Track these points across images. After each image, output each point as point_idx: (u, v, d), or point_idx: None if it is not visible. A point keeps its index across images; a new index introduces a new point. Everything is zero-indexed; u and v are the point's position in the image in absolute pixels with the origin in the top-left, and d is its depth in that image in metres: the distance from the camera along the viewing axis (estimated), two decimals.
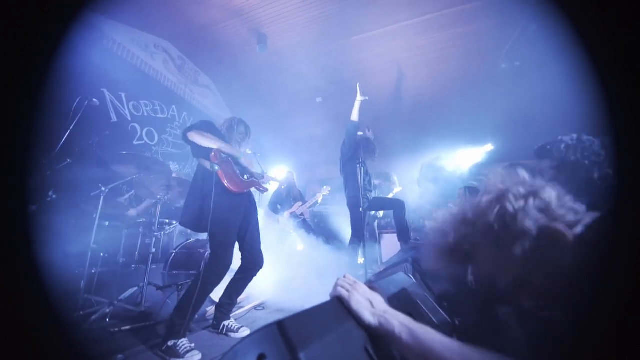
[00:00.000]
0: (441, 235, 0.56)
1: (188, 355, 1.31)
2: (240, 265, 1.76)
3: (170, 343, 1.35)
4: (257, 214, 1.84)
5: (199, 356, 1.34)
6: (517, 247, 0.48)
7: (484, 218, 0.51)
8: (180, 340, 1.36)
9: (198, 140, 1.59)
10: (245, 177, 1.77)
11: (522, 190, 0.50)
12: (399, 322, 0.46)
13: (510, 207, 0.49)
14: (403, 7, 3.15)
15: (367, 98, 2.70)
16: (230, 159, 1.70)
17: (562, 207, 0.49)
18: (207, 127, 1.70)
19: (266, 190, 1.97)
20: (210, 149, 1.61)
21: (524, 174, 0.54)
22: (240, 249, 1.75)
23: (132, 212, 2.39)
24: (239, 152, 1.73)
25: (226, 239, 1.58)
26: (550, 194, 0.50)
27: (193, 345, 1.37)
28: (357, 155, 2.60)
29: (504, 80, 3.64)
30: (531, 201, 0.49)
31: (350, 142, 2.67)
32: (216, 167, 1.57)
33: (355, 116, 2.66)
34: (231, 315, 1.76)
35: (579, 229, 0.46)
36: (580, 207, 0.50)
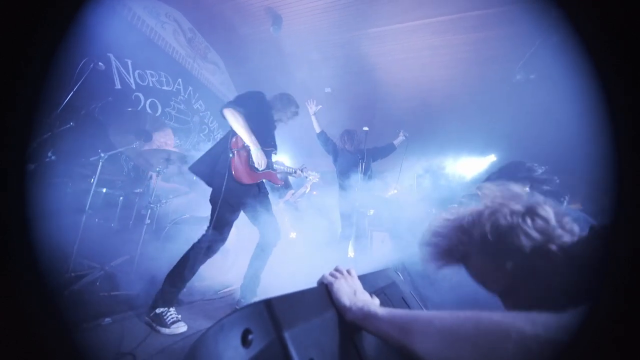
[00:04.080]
0: (439, 237, 0.57)
1: (174, 326, 1.34)
2: (258, 243, 1.85)
3: (158, 310, 1.38)
4: (268, 197, 1.88)
5: (185, 328, 1.37)
6: (508, 262, 0.48)
7: (480, 228, 0.51)
8: (168, 310, 1.39)
9: (229, 119, 1.64)
10: (260, 167, 1.73)
11: (518, 206, 0.50)
12: (375, 306, 0.47)
13: (504, 222, 0.49)
14: (421, 5, 3.06)
15: (320, 106, 2.93)
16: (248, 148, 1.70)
17: (560, 228, 0.48)
18: (252, 100, 1.73)
19: (281, 183, 2.00)
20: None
21: (517, 188, 0.54)
22: (258, 228, 1.83)
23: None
24: (256, 146, 1.67)
25: (225, 219, 1.61)
26: (549, 212, 0.49)
27: (180, 316, 1.40)
28: (359, 149, 2.88)
29: (516, 92, 3.58)
30: (529, 219, 0.48)
31: (327, 149, 3.07)
32: (230, 154, 1.63)
33: (317, 128, 3.01)
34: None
35: (574, 250, 0.46)
36: (576, 228, 0.49)
